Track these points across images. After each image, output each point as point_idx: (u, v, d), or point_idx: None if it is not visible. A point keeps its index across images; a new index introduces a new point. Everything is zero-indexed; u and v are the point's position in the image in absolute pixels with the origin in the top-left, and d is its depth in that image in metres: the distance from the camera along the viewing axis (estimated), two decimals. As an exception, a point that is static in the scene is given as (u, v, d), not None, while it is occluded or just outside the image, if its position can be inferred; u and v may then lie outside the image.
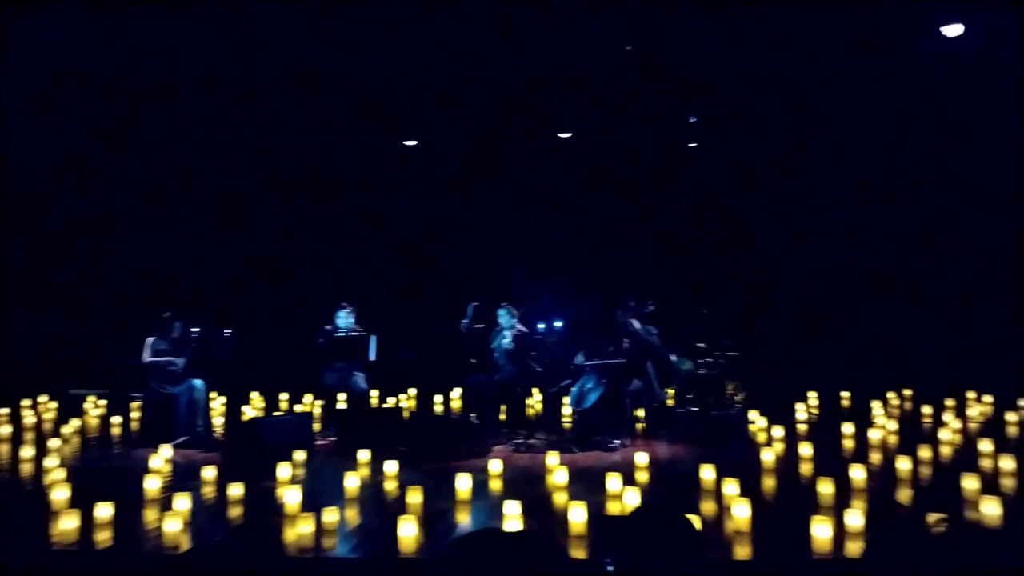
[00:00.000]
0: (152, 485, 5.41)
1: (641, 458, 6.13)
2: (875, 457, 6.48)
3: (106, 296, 10.56)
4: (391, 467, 5.98)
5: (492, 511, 4.94)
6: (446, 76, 8.96)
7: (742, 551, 4.16)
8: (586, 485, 5.59)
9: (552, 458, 6.07)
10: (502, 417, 8.16)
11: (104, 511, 4.69)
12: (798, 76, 8.88)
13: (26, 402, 8.49)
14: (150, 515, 5.02)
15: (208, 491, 5.62)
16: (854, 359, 10.05)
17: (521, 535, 2.32)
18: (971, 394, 8.70)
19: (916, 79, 8.83)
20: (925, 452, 6.14)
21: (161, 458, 6.34)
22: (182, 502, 4.92)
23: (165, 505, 5.07)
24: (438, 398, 9.24)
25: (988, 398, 8.74)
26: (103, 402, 8.93)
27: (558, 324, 8.41)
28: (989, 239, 9.94)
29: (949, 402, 8.37)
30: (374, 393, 8.76)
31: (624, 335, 7.48)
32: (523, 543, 2.06)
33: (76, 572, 4.31)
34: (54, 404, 8.85)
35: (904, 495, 5.30)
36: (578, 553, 4.18)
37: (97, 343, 10.02)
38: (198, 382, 7.48)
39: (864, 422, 7.50)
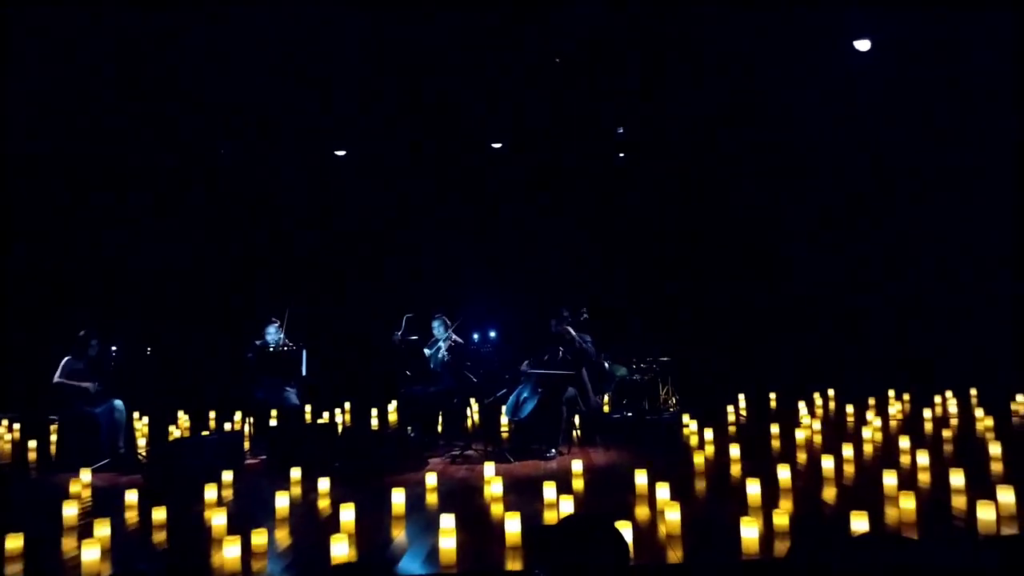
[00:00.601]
0: (70, 512, 5.16)
1: (577, 465, 6.17)
2: (801, 456, 6.68)
3: (17, 313, 10.07)
4: (324, 484, 5.86)
5: (427, 525, 4.88)
6: (381, 84, 8.84)
7: (674, 555, 4.22)
8: (523, 495, 5.59)
9: (489, 469, 6.06)
10: (439, 429, 8.11)
11: (15, 542, 4.44)
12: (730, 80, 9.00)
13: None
14: (68, 544, 4.79)
15: (131, 516, 5.40)
16: (783, 361, 10.37)
17: None
18: (891, 392, 9.07)
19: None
20: (848, 450, 6.36)
21: (81, 482, 6.06)
22: (102, 529, 4.70)
23: (84, 532, 4.84)
24: (374, 411, 9.11)
25: (906, 396, 9.13)
26: (16, 426, 8.51)
27: (492, 334, 8.42)
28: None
29: (871, 401, 8.71)
30: (307, 408, 8.58)
31: (559, 344, 7.54)
32: None
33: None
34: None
35: (829, 493, 5.48)
36: (514, 565, 4.17)
37: (9, 363, 9.54)
38: (118, 402, 7.22)
39: (791, 422, 7.74)
